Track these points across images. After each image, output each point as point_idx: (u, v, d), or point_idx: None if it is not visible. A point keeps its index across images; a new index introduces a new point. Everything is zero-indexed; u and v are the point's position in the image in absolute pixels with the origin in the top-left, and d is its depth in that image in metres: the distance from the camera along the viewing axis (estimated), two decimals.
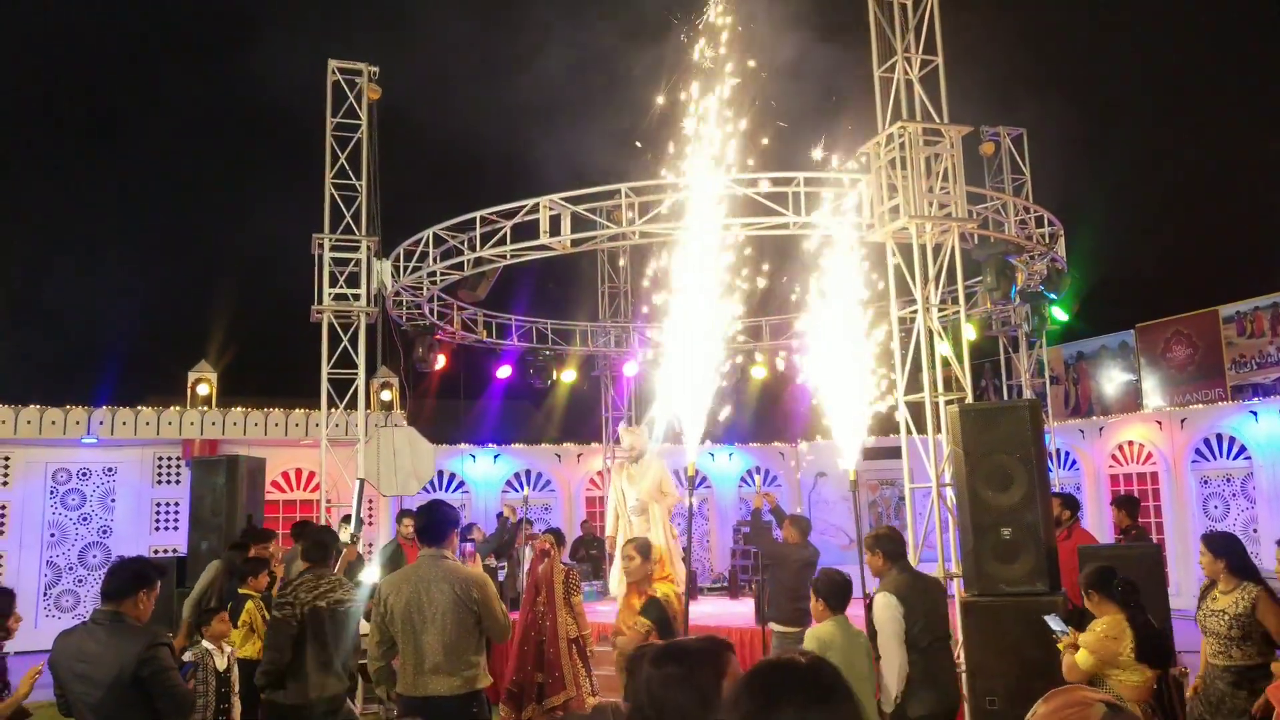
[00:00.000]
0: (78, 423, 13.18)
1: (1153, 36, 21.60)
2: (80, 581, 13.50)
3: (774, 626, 8.25)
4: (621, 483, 9.84)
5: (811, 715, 1.62)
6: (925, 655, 5.18)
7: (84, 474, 13.73)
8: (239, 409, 13.88)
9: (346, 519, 9.73)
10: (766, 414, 19.44)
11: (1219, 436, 13.82)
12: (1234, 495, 13.63)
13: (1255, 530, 13.26)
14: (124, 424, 13.34)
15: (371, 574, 9.23)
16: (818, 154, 9.33)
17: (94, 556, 13.52)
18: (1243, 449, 13.52)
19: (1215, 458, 13.86)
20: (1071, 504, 8.30)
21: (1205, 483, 13.93)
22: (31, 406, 13.07)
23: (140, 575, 4.23)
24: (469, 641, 4.69)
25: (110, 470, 13.81)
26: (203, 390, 13.98)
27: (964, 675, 6.67)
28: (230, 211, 24.85)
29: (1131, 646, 4.53)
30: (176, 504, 13.68)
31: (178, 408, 13.73)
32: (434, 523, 4.89)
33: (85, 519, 13.66)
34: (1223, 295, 16.90)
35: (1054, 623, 5.16)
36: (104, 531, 13.68)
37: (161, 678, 3.99)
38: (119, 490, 13.80)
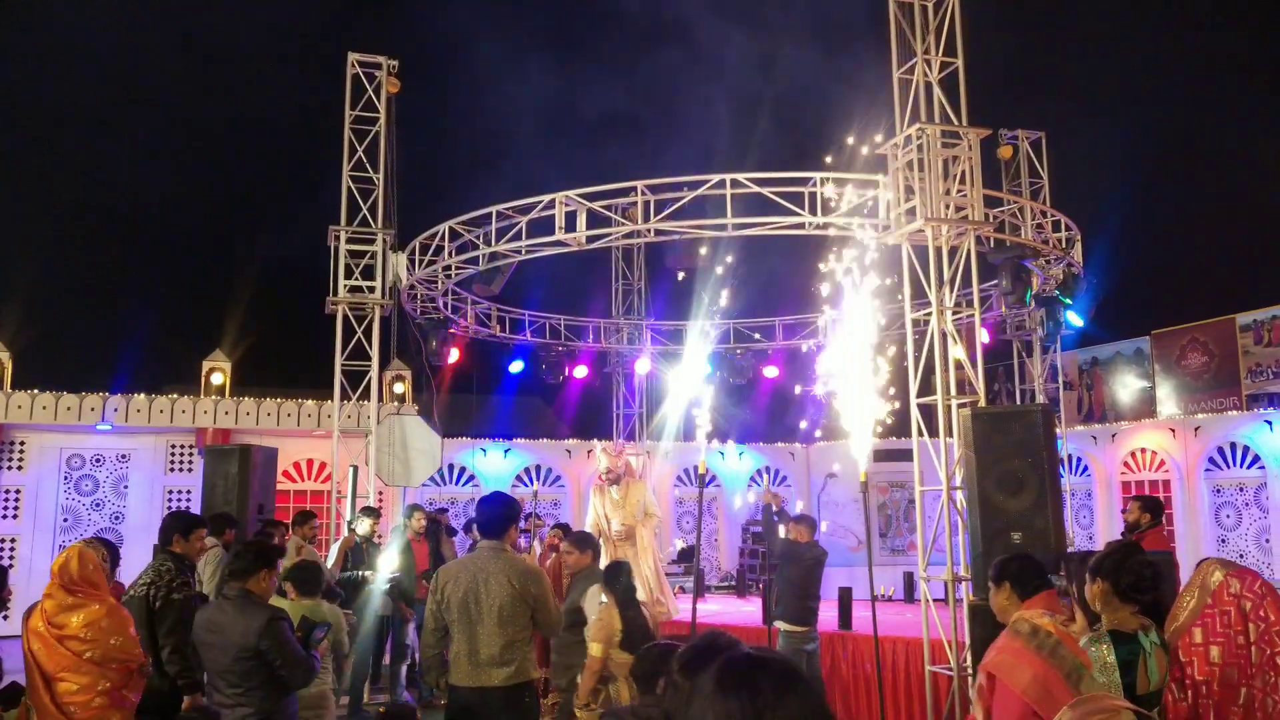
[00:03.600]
0: (92, 409, 13.27)
1: (1172, 43, 21.46)
2: None
3: (781, 625, 8.23)
4: (604, 508, 9.69)
5: (812, 703, 1.67)
6: None
7: (98, 460, 13.83)
8: (252, 399, 13.95)
9: (366, 510, 9.76)
10: (778, 414, 19.42)
11: (1233, 445, 13.72)
12: (1247, 505, 13.54)
13: (1268, 541, 13.17)
14: (138, 411, 13.43)
15: (389, 559, 9.22)
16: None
17: None
18: (1257, 458, 13.42)
19: (1229, 467, 13.76)
20: (1153, 506, 7.93)
21: (1218, 492, 13.84)
22: (47, 392, 13.17)
23: (262, 555, 4.73)
24: (524, 633, 4.76)
25: (124, 457, 13.90)
26: (217, 379, 14.06)
27: (971, 679, 6.66)
28: (248, 204, 24.98)
29: (619, 634, 5.38)
30: (189, 492, 13.76)
31: (192, 396, 13.81)
32: (495, 516, 4.94)
33: (98, 505, 13.76)
34: (1240, 303, 16.80)
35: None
36: (116, 518, 13.77)
37: (281, 649, 4.45)
38: (132, 477, 13.88)
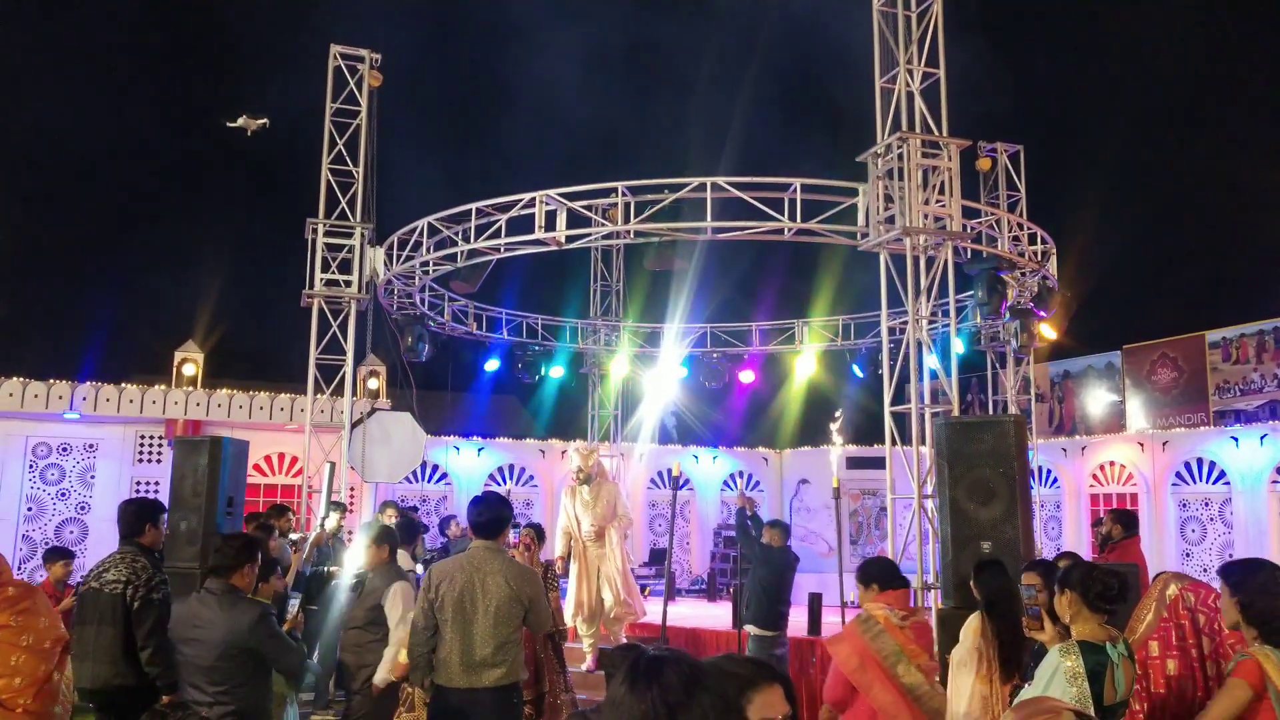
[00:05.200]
0: (60, 397, 13.07)
1: (1145, 61, 21.74)
2: None
3: (750, 629, 8.25)
4: (575, 508, 9.64)
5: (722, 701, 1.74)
6: None
7: (64, 449, 13.63)
8: (224, 390, 13.81)
9: (334, 504, 9.66)
10: (753, 419, 19.49)
11: (1199, 460, 13.90)
12: (1211, 519, 13.72)
13: (1231, 555, 13.35)
14: (107, 400, 13.24)
15: (356, 555, 9.13)
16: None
17: (71, 533, 13.43)
18: (1222, 474, 13.60)
19: (1195, 481, 13.94)
20: (1125, 519, 7.99)
21: (1184, 505, 14.02)
22: (14, 379, 12.97)
23: (244, 549, 4.67)
24: (516, 634, 4.74)
25: (91, 446, 13.71)
26: (188, 370, 13.88)
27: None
28: (224, 190, 24.78)
29: None
30: (157, 483, 13.58)
31: (162, 386, 13.64)
32: (492, 519, 4.91)
33: (64, 494, 13.56)
34: (1210, 321, 17.04)
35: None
36: (82, 508, 13.58)
37: (275, 642, 4.50)
38: (99, 467, 13.70)
